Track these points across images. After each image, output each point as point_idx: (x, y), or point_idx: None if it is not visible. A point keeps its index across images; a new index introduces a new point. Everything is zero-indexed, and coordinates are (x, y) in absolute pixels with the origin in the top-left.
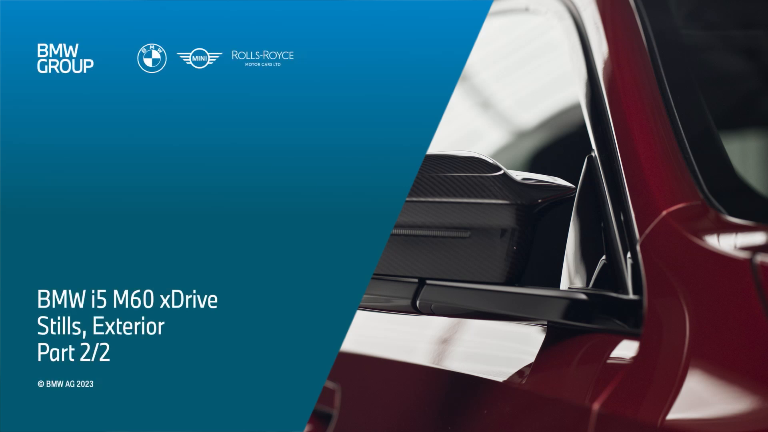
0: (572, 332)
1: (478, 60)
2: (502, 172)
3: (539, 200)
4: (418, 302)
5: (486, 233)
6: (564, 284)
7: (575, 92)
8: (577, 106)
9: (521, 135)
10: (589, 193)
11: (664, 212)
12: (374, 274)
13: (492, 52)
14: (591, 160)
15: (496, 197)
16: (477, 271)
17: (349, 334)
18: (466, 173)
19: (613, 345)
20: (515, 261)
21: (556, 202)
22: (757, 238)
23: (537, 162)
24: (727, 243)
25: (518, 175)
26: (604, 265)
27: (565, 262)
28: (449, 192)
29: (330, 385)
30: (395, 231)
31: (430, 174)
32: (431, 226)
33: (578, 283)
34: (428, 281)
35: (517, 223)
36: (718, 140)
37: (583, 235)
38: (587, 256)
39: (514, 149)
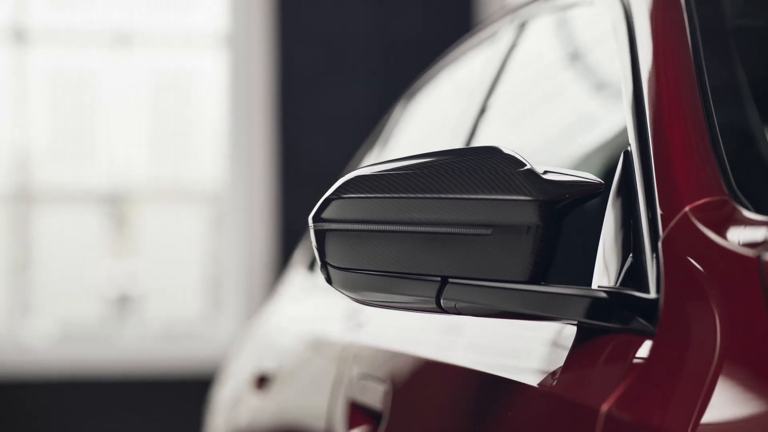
0: (596, 331)
1: (537, 56)
2: (526, 167)
3: (564, 196)
4: (442, 301)
5: (508, 230)
6: (595, 282)
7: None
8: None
9: (568, 131)
10: (623, 188)
11: (687, 207)
12: (396, 273)
13: (550, 47)
14: (627, 154)
15: (519, 193)
16: (499, 269)
17: (398, 332)
18: (488, 168)
19: (629, 345)
20: (539, 258)
21: (583, 198)
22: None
23: (588, 158)
24: (738, 239)
25: (543, 170)
26: (630, 263)
27: (597, 260)
28: (471, 188)
29: (381, 383)
30: (416, 228)
31: (450, 169)
32: (452, 223)
33: (608, 281)
34: (451, 279)
35: (540, 219)
36: (756, 136)
37: (616, 231)
38: (618, 253)
39: (562, 145)
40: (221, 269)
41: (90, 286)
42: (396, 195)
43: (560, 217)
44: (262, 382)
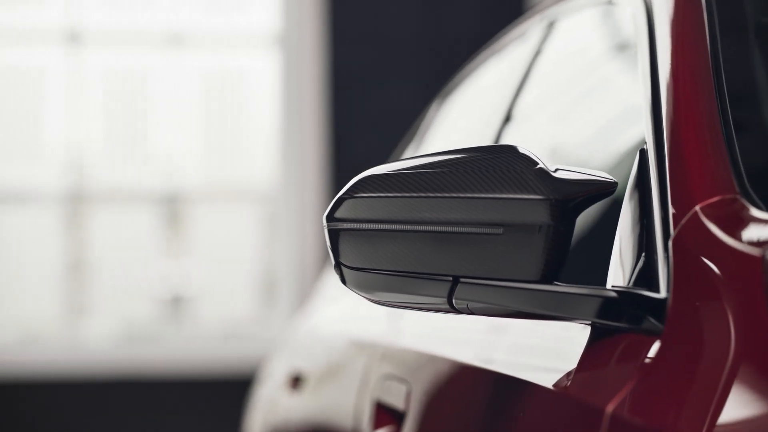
0: (609, 331)
1: (564, 57)
2: (537, 166)
3: (576, 195)
4: (454, 301)
5: (520, 230)
6: (610, 281)
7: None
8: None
9: (591, 130)
10: (639, 186)
11: (698, 206)
12: (408, 272)
13: (575, 46)
14: (642, 153)
15: (530, 192)
16: (511, 269)
17: (420, 331)
18: (500, 167)
19: (637, 345)
20: (550, 258)
21: (595, 197)
22: None
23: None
24: (744, 238)
25: (555, 169)
26: (643, 262)
27: (612, 259)
28: (482, 187)
29: (404, 384)
30: (427, 228)
31: (462, 168)
32: (463, 223)
33: (622, 281)
34: (462, 279)
35: (551, 218)
36: None
37: (630, 230)
38: (632, 252)
39: (584, 144)
40: (273, 269)
41: (144, 287)
42: (407, 194)
43: (572, 216)
44: (296, 382)
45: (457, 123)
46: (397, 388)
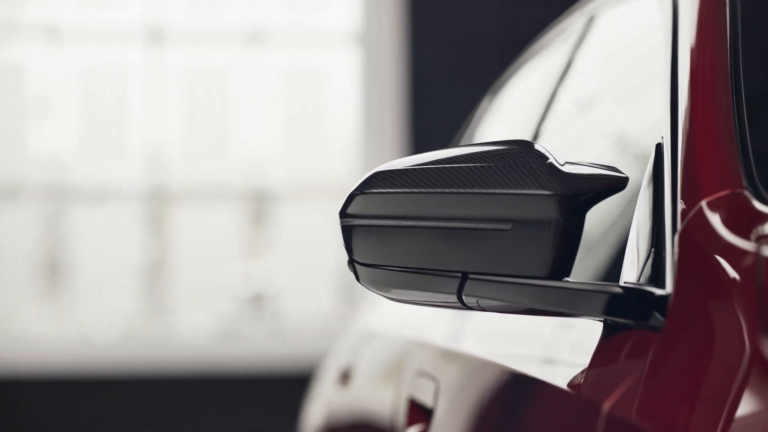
0: (618, 328)
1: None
2: (547, 161)
3: (586, 190)
4: (464, 297)
5: (528, 225)
6: (623, 277)
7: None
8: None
9: (620, 125)
10: (655, 181)
11: (704, 201)
12: (419, 269)
13: (610, 41)
14: (658, 147)
15: (539, 187)
16: (519, 265)
17: (450, 328)
18: (509, 162)
19: (641, 342)
20: (559, 254)
21: (606, 192)
22: None
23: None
24: (744, 233)
25: (565, 163)
26: (653, 258)
27: (626, 254)
28: (490, 182)
29: (433, 381)
30: (436, 224)
31: (465, 163)
32: (472, 218)
33: (634, 276)
34: (471, 275)
35: (560, 214)
36: None
37: (643, 225)
38: (644, 248)
39: (615, 139)
40: None
41: (226, 285)
42: (416, 190)
43: (582, 211)
44: (345, 377)
45: (503, 118)
46: (426, 385)
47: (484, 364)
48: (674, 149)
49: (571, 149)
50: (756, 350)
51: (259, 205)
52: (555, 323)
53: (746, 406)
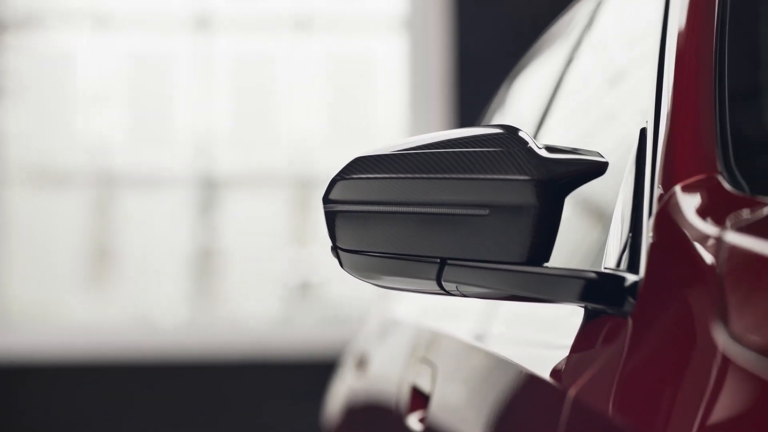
0: (596, 314)
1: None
2: (525, 145)
3: (563, 175)
4: (443, 283)
5: (505, 211)
6: (604, 263)
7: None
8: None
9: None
10: (638, 166)
11: (678, 185)
12: (399, 254)
13: (615, 27)
14: (642, 132)
15: (516, 172)
16: (497, 251)
17: (447, 312)
18: (485, 147)
19: (612, 328)
20: (537, 240)
21: (585, 176)
22: (748, 214)
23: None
24: (713, 218)
25: (544, 148)
26: (630, 243)
27: (608, 240)
28: (468, 167)
29: (431, 366)
30: (415, 209)
31: (446, 148)
32: (450, 204)
33: (613, 262)
34: (449, 261)
35: (537, 199)
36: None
37: (624, 210)
38: (623, 233)
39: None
40: None
41: (274, 271)
42: (396, 175)
43: (560, 196)
44: (361, 364)
45: (516, 105)
46: (426, 371)
47: (471, 349)
48: (656, 134)
49: (569, 135)
50: (709, 338)
51: (306, 192)
52: (551, 306)
53: (698, 395)
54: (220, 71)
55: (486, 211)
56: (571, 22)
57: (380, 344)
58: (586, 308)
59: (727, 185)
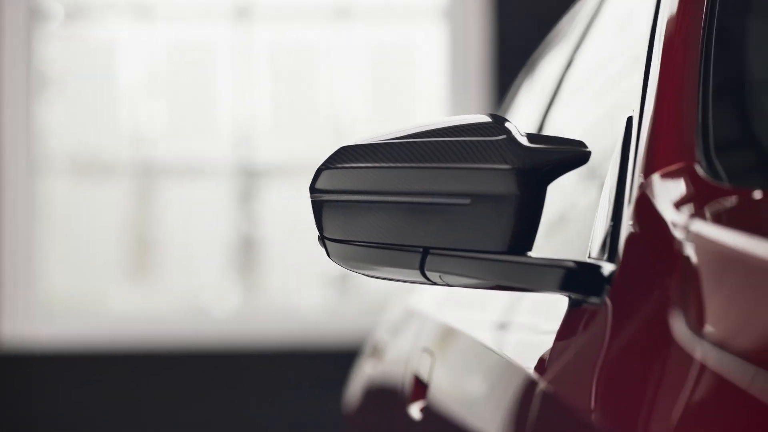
0: (578, 303)
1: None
2: (507, 134)
3: (544, 164)
4: (427, 273)
5: (486, 200)
6: (589, 252)
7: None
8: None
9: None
10: (621, 155)
11: (656, 173)
12: (382, 244)
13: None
14: (629, 121)
15: (497, 161)
16: (478, 240)
17: (447, 302)
18: (470, 137)
19: (587, 317)
20: (517, 229)
21: (568, 165)
22: (721, 204)
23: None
24: (686, 207)
25: (525, 136)
26: (611, 232)
27: (593, 229)
28: (450, 157)
29: (430, 355)
30: (397, 198)
31: (430, 138)
32: (432, 193)
33: (596, 251)
34: (432, 250)
35: (518, 188)
36: (753, 108)
37: (608, 199)
38: (606, 222)
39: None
40: None
41: (314, 261)
42: (379, 164)
43: (542, 185)
44: (377, 352)
45: (531, 94)
46: (426, 360)
47: (462, 337)
48: (640, 122)
49: (568, 126)
50: (672, 330)
51: None
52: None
53: (658, 387)
54: (260, 61)
55: (468, 201)
56: (577, 16)
57: (395, 334)
58: (569, 297)
59: (703, 173)
